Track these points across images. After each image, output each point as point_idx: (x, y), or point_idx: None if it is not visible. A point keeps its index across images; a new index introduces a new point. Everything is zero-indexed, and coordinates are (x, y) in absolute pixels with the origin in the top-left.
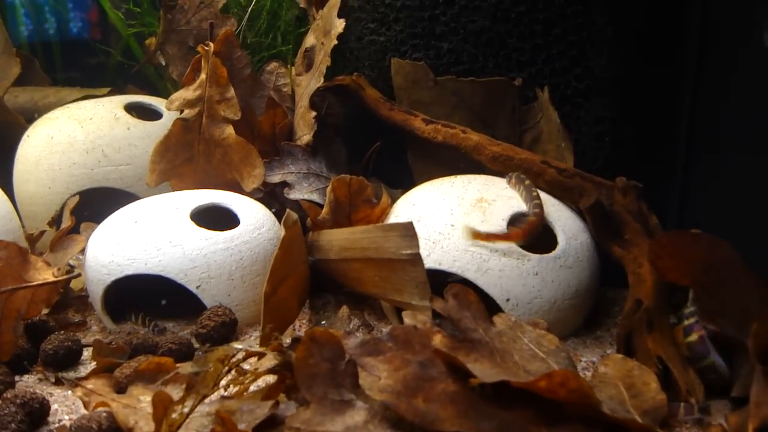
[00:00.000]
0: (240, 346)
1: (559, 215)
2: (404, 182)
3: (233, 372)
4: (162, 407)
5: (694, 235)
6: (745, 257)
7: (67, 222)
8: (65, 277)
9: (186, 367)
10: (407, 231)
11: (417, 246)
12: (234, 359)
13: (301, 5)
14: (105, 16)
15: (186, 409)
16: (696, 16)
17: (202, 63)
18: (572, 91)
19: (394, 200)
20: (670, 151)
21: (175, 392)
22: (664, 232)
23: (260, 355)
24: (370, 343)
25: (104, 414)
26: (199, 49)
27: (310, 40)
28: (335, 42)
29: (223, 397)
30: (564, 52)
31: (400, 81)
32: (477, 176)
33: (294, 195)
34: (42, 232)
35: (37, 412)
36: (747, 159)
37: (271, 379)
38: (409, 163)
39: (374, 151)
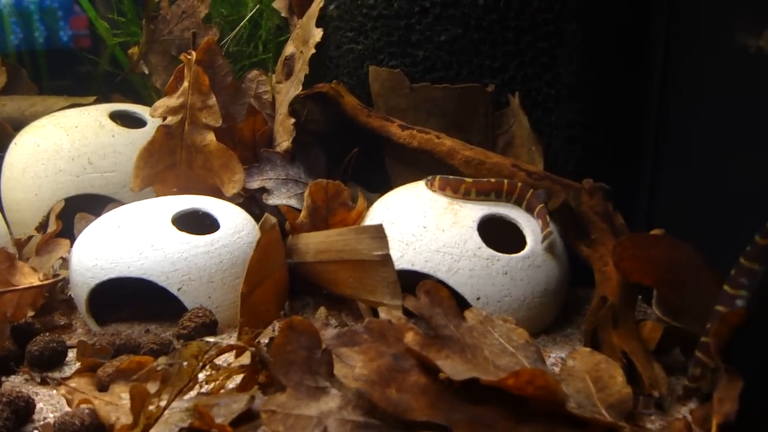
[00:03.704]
0: (212, 340)
1: (528, 216)
2: (382, 187)
3: (208, 368)
4: (139, 400)
5: (656, 237)
6: (710, 255)
7: (52, 226)
8: (51, 281)
9: (160, 361)
10: (378, 233)
11: (387, 247)
12: (207, 355)
13: (283, 14)
14: (93, 23)
15: (163, 402)
16: (662, 23)
17: (185, 71)
18: (543, 96)
19: (371, 204)
20: (638, 154)
21: (154, 388)
22: (627, 234)
23: (234, 349)
24: (347, 335)
25: (87, 411)
26: (181, 57)
27: (289, 49)
28: (313, 51)
29: (200, 394)
30: (535, 59)
31: (378, 88)
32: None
33: (272, 201)
34: (29, 237)
35: (22, 410)
36: (712, 160)
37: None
38: (387, 167)
39: (353, 156)
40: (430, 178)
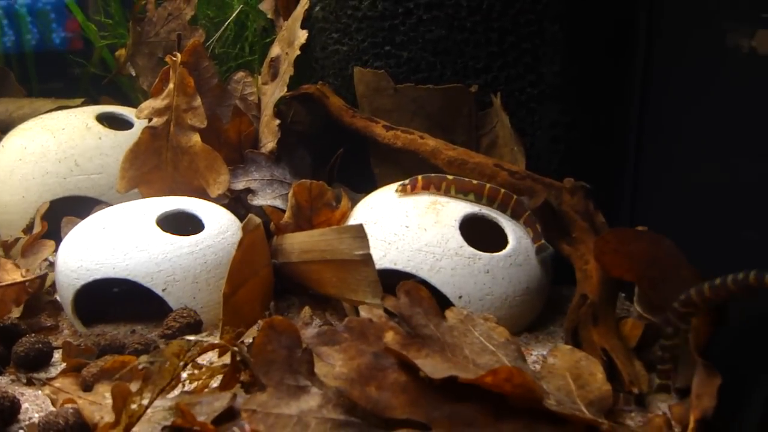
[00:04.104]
0: (193, 338)
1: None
2: (368, 187)
3: (190, 367)
4: (121, 398)
5: (636, 233)
6: (691, 253)
7: (38, 228)
8: (32, 276)
9: (142, 360)
10: (359, 232)
11: (368, 246)
12: (189, 354)
13: (269, 16)
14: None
15: (145, 401)
16: (644, 23)
17: (170, 73)
18: (527, 96)
19: (355, 204)
20: (621, 153)
21: (136, 387)
22: (608, 229)
23: (215, 348)
24: (327, 334)
25: (71, 410)
26: (167, 59)
27: (275, 51)
28: (298, 52)
29: (183, 393)
30: (518, 60)
31: (362, 89)
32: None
33: (257, 201)
34: (16, 240)
35: (8, 410)
36: (694, 159)
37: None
38: (372, 168)
39: (338, 157)
40: (408, 181)
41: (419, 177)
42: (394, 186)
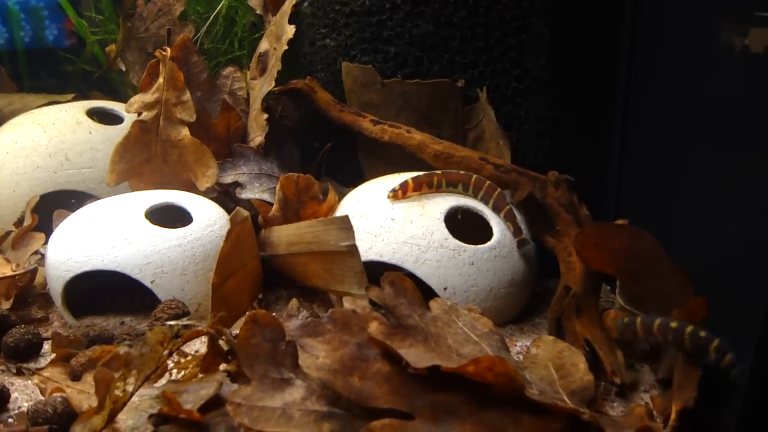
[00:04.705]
0: (174, 323)
1: None
2: (356, 181)
3: (176, 356)
4: (104, 384)
5: (616, 227)
6: (675, 247)
7: (28, 221)
8: (22, 271)
9: (122, 347)
10: (344, 224)
11: (353, 238)
12: (174, 342)
13: (258, 12)
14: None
15: (129, 387)
16: (628, 18)
17: (160, 67)
18: (513, 91)
19: (342, 198)
20: (606, 147)
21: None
22: (590, 223)
23: (199, 335)
24: (310, 325)
25: (59, 399)
26: (156, 53)
27: (263, 46)
28: (286, 47)
29: (171, 381)
30: (504, 55)
31: (350, 84)
32: (418, 173)
33: (245, 195)
34: (8, 233)
35: None
36: (677, 154)
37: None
38: (360, 162)
39: (326, 151)
40: (398, 186)
41: (409, 180)
42: (381, 179)
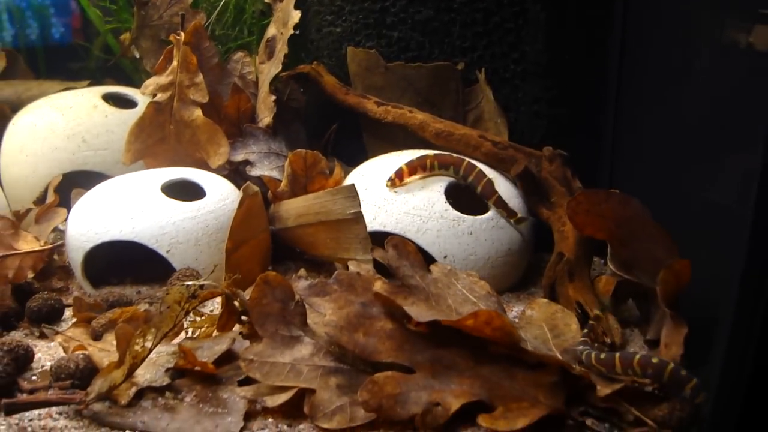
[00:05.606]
0: (190, 282)
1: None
2: (360, 160)
3: (192, 315)
4: (125, 340)
5: (606, 193)
6: (666, 220)
7: (51, 198)
8: (50, 246)
9: (143, 306)
10: (350, 192)
11: (359, 205)
12: (190, 301)
13: (266, 0)
14: (87, 19)
15: (148, 343)
16: (620, 3)
17: (174, 51)
18: (511, 74)
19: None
20: (600, 127)
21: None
22: (581, 190)
23: (214, 296)
24: (318, 285)
25: (81, 356)
26: (171, 38)
27: (271, 31)
28: (292, 31)
29: (187, 338)
30: (502, 39)
31: (355, 68)
32: (420, 151)
33: (255, 172)
34: (28, 210)
35: (22, 357)
36: (666, 133)
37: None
38: (364, 141)
39: (332, 132)
40: (393, 174)
41: (403, 166)
42: (385, 156)
